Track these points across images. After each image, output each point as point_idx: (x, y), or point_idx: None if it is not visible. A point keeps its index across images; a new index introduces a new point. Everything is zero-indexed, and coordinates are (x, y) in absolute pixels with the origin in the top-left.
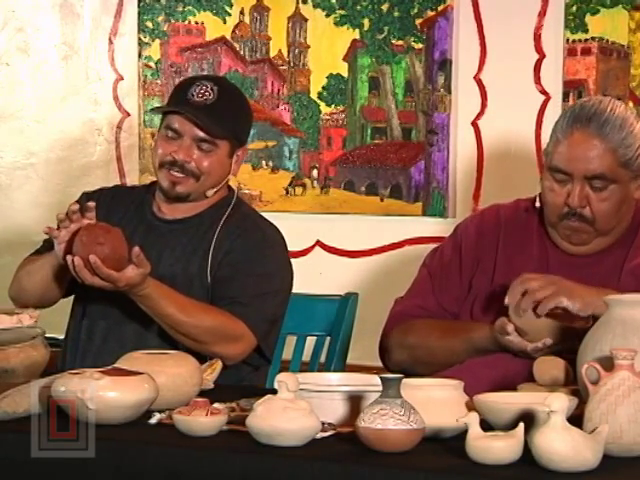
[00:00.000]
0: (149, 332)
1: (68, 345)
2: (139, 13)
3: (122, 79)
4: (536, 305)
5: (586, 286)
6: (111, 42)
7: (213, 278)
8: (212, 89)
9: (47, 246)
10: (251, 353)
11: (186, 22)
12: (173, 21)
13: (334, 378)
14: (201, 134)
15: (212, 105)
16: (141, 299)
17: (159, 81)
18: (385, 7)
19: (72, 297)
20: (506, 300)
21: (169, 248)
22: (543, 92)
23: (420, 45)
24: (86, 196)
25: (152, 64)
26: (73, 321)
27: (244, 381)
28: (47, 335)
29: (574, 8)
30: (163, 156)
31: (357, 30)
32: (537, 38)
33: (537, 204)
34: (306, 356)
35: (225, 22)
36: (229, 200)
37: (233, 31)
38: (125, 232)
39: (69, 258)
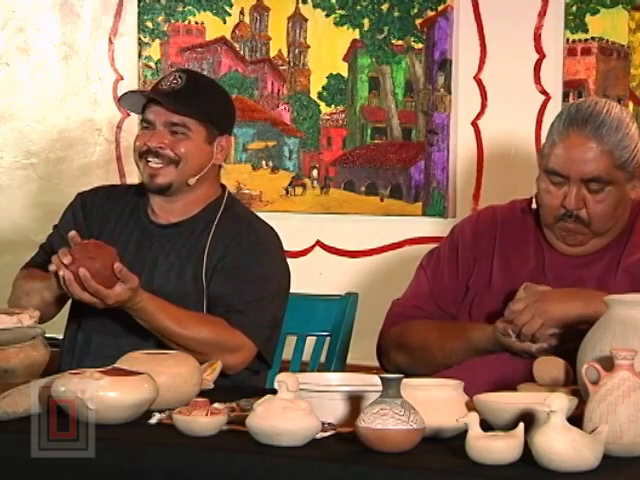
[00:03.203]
0: (145, 347)
1: (65, 352)
2: (139, 13)
3: (122, 79)
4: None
5: (573, 295)
6: (111, 42)
7: (208, 283)
8: (180, 77)
9: (43, 255)
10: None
11: (186, 22)
12: (173, 21)
13: (334, 378)
14: (171, 119)
15: (180, 90)
16: (136, 313)
17: None
18: (385, 7)
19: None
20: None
21: (164, 253)
22: (543, 92)
23: (420, 45)
24: (81, 197)
25: (152, 64)
26: (69, 331)
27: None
28: (47, 335)
29: (574, 8)
30: (139, 148)
31: (357, 30)
32: (537, 38)
33: (533, 205)
34: (306, 356)
35: (225, 22)
36: (222, 200)
37: (233, 31)
38: (121, 236)
39: (60, 272)
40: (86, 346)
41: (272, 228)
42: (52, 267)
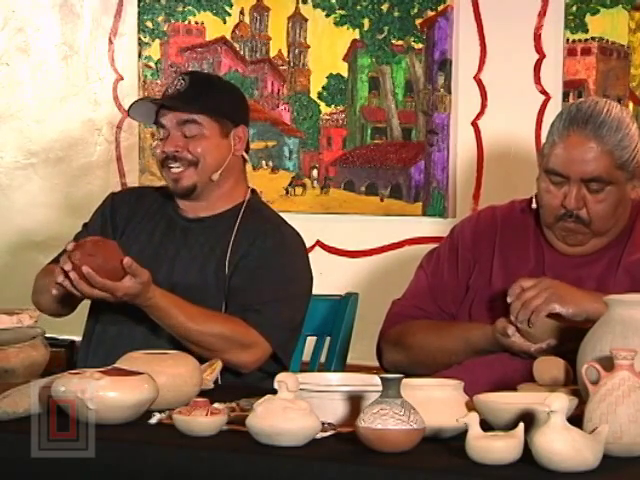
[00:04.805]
0: (159, 336)
1: (82, 347)
2: (139, 13)
3: (122, 79)
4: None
5: (581, 289)
6: (111, 42)
7: (229, 280)
8: (184, 79)
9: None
10: (267, 360)
11: (186, 22)
12: (173, 21)
13: (334, 378)
14: (181, 117)
15: (185, 91)
16: (149, 309)
17: (159, 81)
18: (385, 7)
19: None
20: (508, 299)
21: (187, 246)
22: (543, 92)
23: (420, 45)
24: (112, 195)
25: (152, 64)
26: (88, 324)
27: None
28: (47, 335)
29: (574, 8)
30: (159, 156)
31: (357, 30)
32: (537, 38)
33: (533, 205)
34: (306, 356)
35: (225, 22)
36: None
37: (233, 31)
38: (147, 228)
39: (60, 279)
40: (103, 335)
41: (298, 233)
42: (56, 287)
